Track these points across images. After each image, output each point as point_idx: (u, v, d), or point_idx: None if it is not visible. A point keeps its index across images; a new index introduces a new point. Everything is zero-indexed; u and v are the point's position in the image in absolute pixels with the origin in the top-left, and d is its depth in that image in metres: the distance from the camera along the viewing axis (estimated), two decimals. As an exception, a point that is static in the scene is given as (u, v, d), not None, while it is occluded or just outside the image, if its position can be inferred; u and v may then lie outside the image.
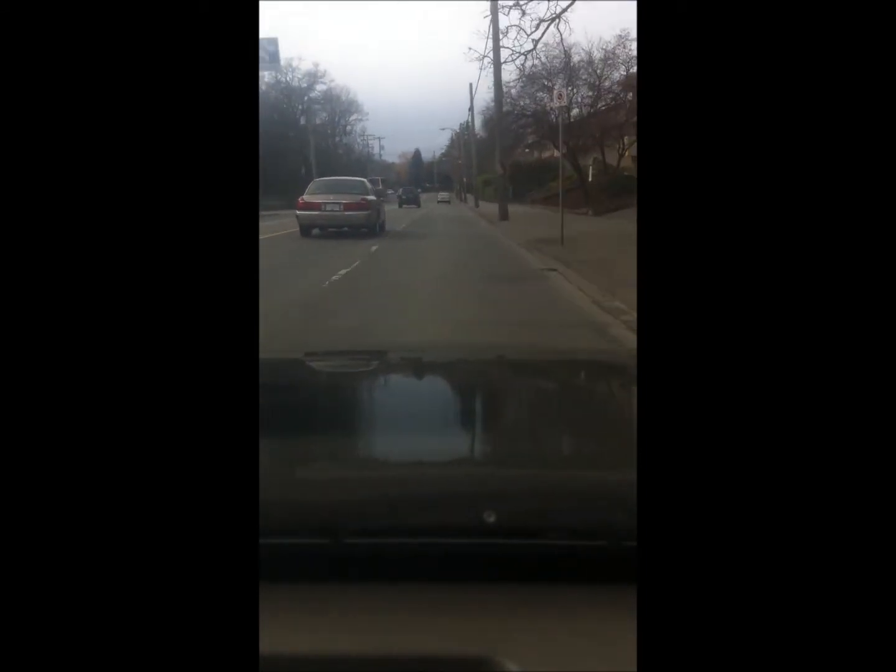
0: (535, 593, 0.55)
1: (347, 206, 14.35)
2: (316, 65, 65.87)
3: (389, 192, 46.63)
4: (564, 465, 0.74)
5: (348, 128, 73.01)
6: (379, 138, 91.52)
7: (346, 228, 14.35)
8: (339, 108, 67.78)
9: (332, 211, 14.42)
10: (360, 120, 75.49)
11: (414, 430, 0.88)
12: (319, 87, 60.13)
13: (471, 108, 41.93)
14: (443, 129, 56.28)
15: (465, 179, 54.38)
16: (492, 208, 27.33)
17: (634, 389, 0.51)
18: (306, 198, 14.81)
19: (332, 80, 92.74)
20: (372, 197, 15.20)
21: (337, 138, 66.41)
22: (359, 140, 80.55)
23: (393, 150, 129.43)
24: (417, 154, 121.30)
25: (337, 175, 21.27)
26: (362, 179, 17.04)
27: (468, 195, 50.97)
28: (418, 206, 43.66)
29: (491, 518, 0.55)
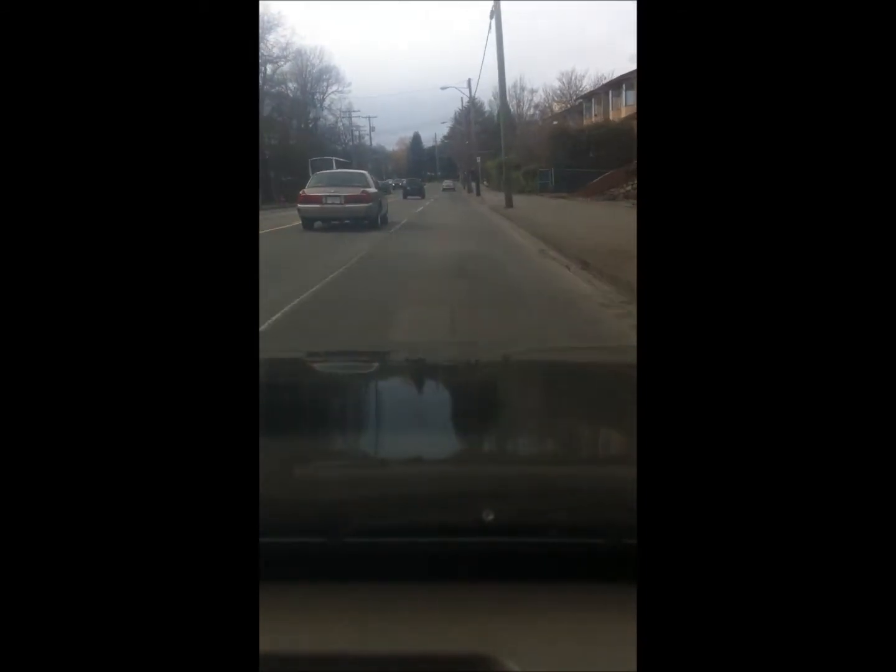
0: (534, 592, 0.55)
1: (349, 199, 14.42)
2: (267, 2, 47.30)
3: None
4: (564, 463, 0.74)
5: (327, 101, 57.97)
6: (369, 117, 77.14)
7: (347, 221, 14.41)
8: (311, 73, 53.65)
9: (333, 204, 14.52)
10: (340, 91, 60.70)
11: (413, 429, 0.88)
12: (276, 39, 44.62)
13: (494, 22, 22.68)
14: (444, 89, 43.25)
15: (478, 160, 42.25)
16: (546, 221, 13.51)
17: (634, 387, 0.50)
18: (307, 191, 14.98)
19: (293, 33, 79.74)
20: (373, 189, 15.26)
21: (310, 113, 53.09)
22: (343, 120, 65.09)
23: (384, 129, 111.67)
24: (417, 139, 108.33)
25: (291, 160, 21.66)
26: (363, 172, 17.12)
27: (478, 185, 40.26)
28: (423, 196, 41.32)
29: (490, 516, 0.55)
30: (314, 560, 0.56)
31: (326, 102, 59.08)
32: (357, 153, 67.64)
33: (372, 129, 78.34)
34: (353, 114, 68.98)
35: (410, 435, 0.84)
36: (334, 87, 58.87)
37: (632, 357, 0.52)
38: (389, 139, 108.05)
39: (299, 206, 14.94)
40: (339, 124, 64.37)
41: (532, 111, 60.09)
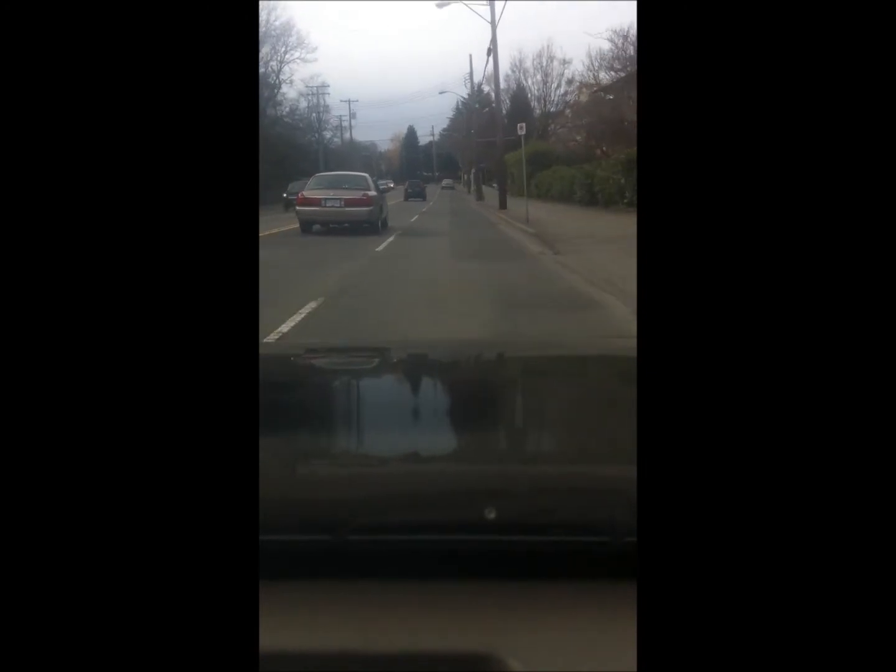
0: (536, 590, 0.55)
1: (348, 202, 14.16)
2: None
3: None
4: (565, 461, 0.73)
5: (285, 72, 42.51)
6: (349, 101, 64.37)
7: (346, 225, 14.16)
8: (261, 32, 37.05)
9: (332, 207, 14.18)
10: (304, 59, 45.86)
11: (415, 427, 0.88)
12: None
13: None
14: (441, 6, 25.05)
15: (522, 129, 19.61)
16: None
17: (635, 385, 0.51)
18: (306, 193, 14.70)
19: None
20: (374, 192, 15.05)
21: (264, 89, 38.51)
22: (308, 96, 49.36)
23: (369, 104, 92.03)
24: (411, 133, 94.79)
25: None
26: (364, 174, 16.82)
27: (504, 188, 23.06)
28: (424, 199, 38.94)
29: (492, 514, 0.55)
30: (315, 558, 0.57)
31: (285, 73, 42.68)
32: (333, 152, 51.38)
33: (353, 115, 66.85)
34: (324, 90, 51.90)
35: (412, 432, 0.84)
36: (296, 54, 43.25)
37: (635, 355, 0.53)
38: (377, 121, 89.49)
39: (298, 208, 14.85)
40: (304, 103, 48.73)
41: (564, 88, 43.31)
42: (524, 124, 17.11)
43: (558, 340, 2.47)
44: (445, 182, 61.21)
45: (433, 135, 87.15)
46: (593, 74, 27.00)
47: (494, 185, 35.08)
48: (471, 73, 39.61)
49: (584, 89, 27.99)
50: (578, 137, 26.22)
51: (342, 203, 14.23)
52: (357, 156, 67.02)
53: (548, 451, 0.81)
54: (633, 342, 0.53)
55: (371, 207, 14.47)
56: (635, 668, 0.45)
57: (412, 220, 19.69)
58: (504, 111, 35.05)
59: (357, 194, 14.46)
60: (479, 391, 1.08)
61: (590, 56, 39.14)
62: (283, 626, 0.51)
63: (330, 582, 0.56)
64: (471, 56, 40.17)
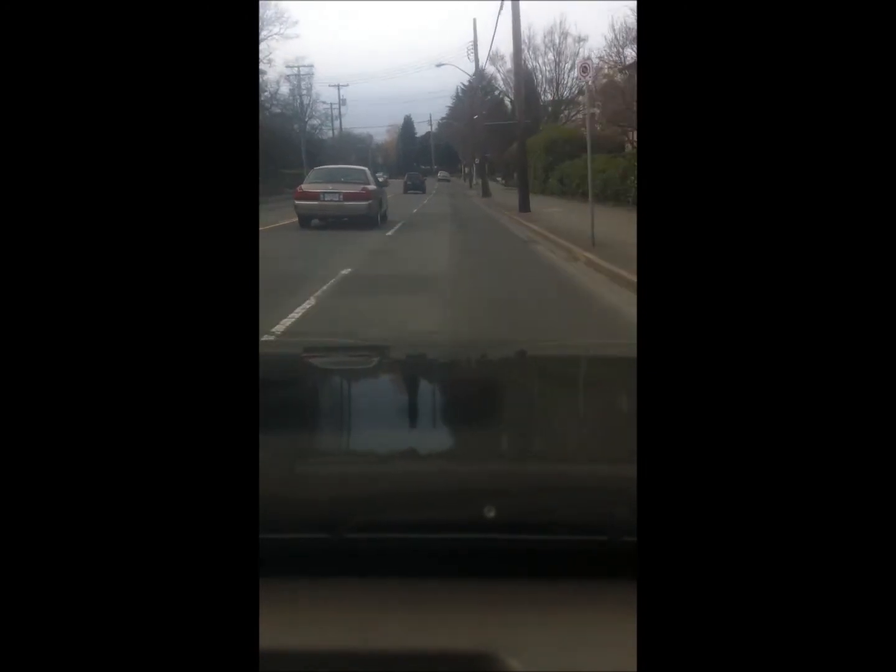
0: (535, 589, 0.55)
1: (347, 196, 13.94)
2: None
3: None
4: (565, 460, 0.73)
5: (264, 50, 36.22)
6: (339, 86, 58.46)
7: (346, 219, 13.85)
8: None
9: (331, 201, 13.92)
10: (283, 36, 42.43)
11: (414, 426, 0.88)
12: None
13: None
14: None
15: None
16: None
17: (635, 384, 0.51)
18: (304, 187, 14.46)
19: None
20: (373, 186, 14.81)
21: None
22: (290, 76, 44.66)
23: (359, 100, 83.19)
24: (408, 124, 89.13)
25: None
26: (364, 168, 16.58)
27: (526, 180, 17.12)
28: (424, 191, 37.60)
29: (491, 513, 0.56)
30: (315, 556, 0.57)
31: (263, 52, 35.84)
32: (324, 144, 48.36)
33: (343, 102, 60.15)
34: (308, 69, 46.24)
35: (412, 431, 0.85)
36: (275, 29, 37.00)
37: (635, 354, 0.53)
38: (371, 105, 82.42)
39: (296, 202, 14.57)
40: (287, 87, 44.26)
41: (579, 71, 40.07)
42: (590, 63, 10.67)
43: (558, 341, 2.39)
44: (441, 174, 62.30)
45: (430, 124, 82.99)
46: (617, 50, 23.57)
47: (499, 178, 30.90)
48: (475, 42, 33.41)
49: (605, 68, 24.33)
50: (599, 125, 22.71)
51: (341, 197, 13.97)
52: (351, 148, 63.45)
53: (548, 450, 0.80)
54: (633, 343, 0.53)
55: (370, 201, 14.22)
56: (635, 668, 0.45)
57: (388, 234, 12.99)
58: (510, 97, 31.42)
59: (356, 188, 14.21)
60: (478, 390, 1.08)
61: (613, 29, 33.58)
62: (283, 625, 0.52)
63: (329, 580, 0.56)
64: (475, 20, 35.86)
